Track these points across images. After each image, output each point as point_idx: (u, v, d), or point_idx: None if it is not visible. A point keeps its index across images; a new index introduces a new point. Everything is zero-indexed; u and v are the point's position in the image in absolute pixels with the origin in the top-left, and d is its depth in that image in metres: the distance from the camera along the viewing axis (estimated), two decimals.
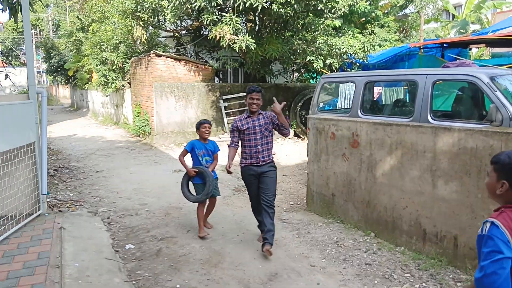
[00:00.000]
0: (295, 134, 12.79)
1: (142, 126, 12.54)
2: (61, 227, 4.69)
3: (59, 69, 27.83)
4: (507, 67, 7.59)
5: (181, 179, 4.94)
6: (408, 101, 7.14)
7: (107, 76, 15.04)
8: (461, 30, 17.37)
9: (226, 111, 12.01)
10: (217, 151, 4.95)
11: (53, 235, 4.35)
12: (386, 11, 15.68)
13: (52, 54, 27.26)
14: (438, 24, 19.62)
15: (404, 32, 16.68)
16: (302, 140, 12.26)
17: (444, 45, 10.80)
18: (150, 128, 12.17)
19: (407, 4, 15.66)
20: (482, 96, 5.41)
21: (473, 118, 5.29)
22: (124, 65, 14.25)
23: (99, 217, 5.46)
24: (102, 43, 14.46)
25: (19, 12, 5.59)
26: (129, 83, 14.57)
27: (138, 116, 12.95)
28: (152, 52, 11.78)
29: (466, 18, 18.00)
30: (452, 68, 5.57)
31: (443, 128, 3.91)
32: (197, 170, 4.70)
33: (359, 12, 13.69)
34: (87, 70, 18.90)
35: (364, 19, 14.71)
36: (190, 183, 4.89)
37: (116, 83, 14.91)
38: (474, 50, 13.98)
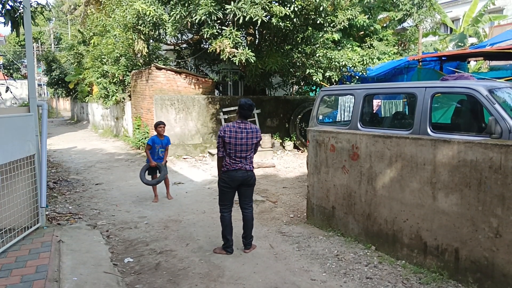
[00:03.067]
0: (295, 147, 12.80)
1: (142, 139, 12.55)
2: (59, 240, 4.66)
3: (60, 82, 28.01)
4: (505, 80, 7.64)
5: (142, 166, 7.05)
6: (407, 114, 7.16)
7: (108, 89, 15.11)
8: (459, 44, 17.52)
9: (226, 124, 12.04)
10: (169, 144, 7.15)
11: (52, 249, 4.32)
12: (384, 25, 15.83)
13: (53, 67, 27.46)
14: (436, 37, 19.79)
15: (402, 46, 16.81)
16: (302, 152, 12.27)
17: (443, 58, 10.89)
18: None
19: (406, 18, 15.83)
20: (481, 109, 5.43)
21: (472, 131, 5.31)
22: (124, 78, 14.33)
23: (98, 230, 5.44)
24: (103, 56, 14.56)
25: (21, 26, 5.64)
26: (130, 96, 14.63)
27: (138, 128, 12.97)
28: (152, 65, 11.85)
29: (464, 32, 18.17)
30: (451, 81, 5.60)
31: (442, 140, 3.91)
32: (155, 164, 6.86)
33: (358, 25, 13.82)
34: (87, 83, 18.99)
35: (363, 32, 14.85)
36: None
37: (117, 96, 14.97)
38: (472, 63, 14.08)
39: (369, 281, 3.94)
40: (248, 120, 4.64)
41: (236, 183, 4.55)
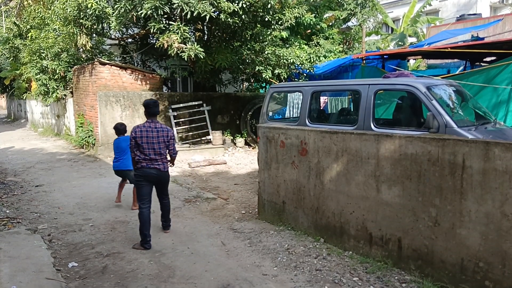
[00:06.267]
0: (246, 143, 12.84)
1: (86, 137, 12.01)
2: None
3: None
4: (441, 78, 8.14)
5: None
6: (352, 110, 7.42)
7: (48, 85, 14.28)
8: (400, 43, 18.45)
9: (175, 121, 11.81)
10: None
11: None
12: (330, 24, 16.28)
13: None
14: (379, 36, 20.67)
15: (347, 44, 17.37)
16: (253, 149, 12.33)
17: (385, 56, 11.41)
18: (94, 139, 11.67)
19: (350, 18, 16.38)
20: (420, 105, 5.74)
21: (412, 126, 5.59)
22: (66, 74, 13.60)
23: (39, 235, 5.14)
24: (42, 51, 13.72)
25: None
26: (72, 93, 13.92)
27: (81, 126, 12.40)
28: (96, 60, 11.35)
29: (404, 32, 19.15)
30: (392, 78, 5.87)
31: (385, 135, 4.09)
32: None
33: (305, 24, 14.11)
34: (25, 79, 17.87)
35: (310, 31, 15.18)
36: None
37: (57, 93, 14.18)
38: (411, 62, 14.89)
39: (318, 273, 4.04)
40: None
41: (150, 180, 4.76)
